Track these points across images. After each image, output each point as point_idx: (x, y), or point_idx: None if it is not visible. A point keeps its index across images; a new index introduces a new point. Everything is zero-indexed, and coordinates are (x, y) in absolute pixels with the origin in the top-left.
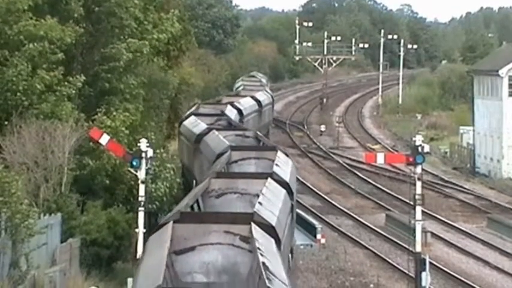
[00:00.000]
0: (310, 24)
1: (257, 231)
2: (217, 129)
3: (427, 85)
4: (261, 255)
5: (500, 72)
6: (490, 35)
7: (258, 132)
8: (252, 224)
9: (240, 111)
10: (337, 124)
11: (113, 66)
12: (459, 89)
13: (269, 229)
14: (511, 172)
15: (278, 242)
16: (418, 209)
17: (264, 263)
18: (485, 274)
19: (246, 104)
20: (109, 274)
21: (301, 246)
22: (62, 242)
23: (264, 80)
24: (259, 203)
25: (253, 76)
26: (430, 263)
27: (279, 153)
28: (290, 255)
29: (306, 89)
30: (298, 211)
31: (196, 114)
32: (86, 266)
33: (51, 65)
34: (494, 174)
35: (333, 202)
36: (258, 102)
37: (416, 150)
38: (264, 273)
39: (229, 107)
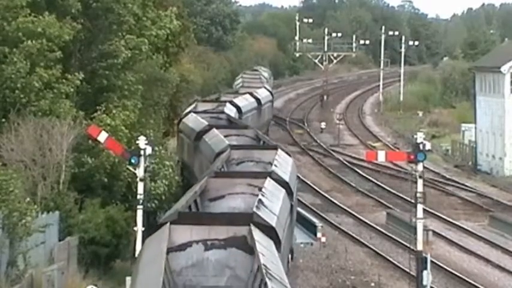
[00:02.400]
0: (311, 20)
1: (270, 183)
2: (195, 112)
3: (428, 82)
4: (262, 195)
5: (502, 69)
6: (491, 31)
7: (231, 114)
8: (268, 178)
9: (258, 100)
10: (337, 121)
11: (111, 63)
12: (461, 86)
13: (284, 184)
14: None
15: (291, 193)
16: (420, 207)
17: (260, 200)
18: (487, 273)
19: (263, 94)
20: (107, 273)
21: (302, 245)
22: (60, 241)
23: (266, 74)
24: (275, 165)
25: (256, 70)
26: (432, 261)
27: (258, 131)
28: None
29: (306, 86)
30: (298, 209)
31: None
32: (84, 265)
33: (49, 63)
34: (496, 171)
35: (334, 200)
36: (271, 93)
37: (418, 148)
38: (256, 203)
39: (247, 95)
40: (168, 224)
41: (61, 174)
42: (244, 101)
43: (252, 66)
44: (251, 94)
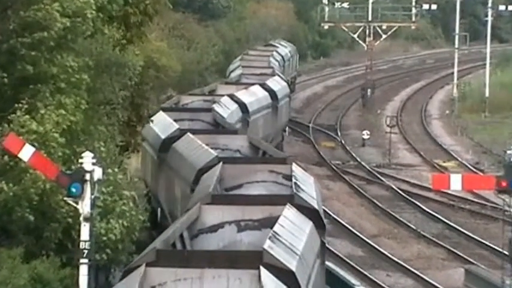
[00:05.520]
0: None
1: (297, 169)
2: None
3: None
4: (296, 180)
5: None
6: None
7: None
8: (294, 164)
9: (287, 83)
10: (388, 129)
11: (40, 38)
12: None
13: (304, 171)
14: None
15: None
16: None
17: (295, 183)
18: None
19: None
20: None
21: None
22: None
23: (287, 51)
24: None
25: (271, 45)
26: None
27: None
28: None
29: (339, 75)
30: (329, 264)
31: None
32: None
33: None
34: None
35: (383, 250)
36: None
37: None
38: (293, 188)
39: (277, 77)
40: (198, 204)
41: None
42: (278, 86)
43: (254, 44)
44: (279, 76)
